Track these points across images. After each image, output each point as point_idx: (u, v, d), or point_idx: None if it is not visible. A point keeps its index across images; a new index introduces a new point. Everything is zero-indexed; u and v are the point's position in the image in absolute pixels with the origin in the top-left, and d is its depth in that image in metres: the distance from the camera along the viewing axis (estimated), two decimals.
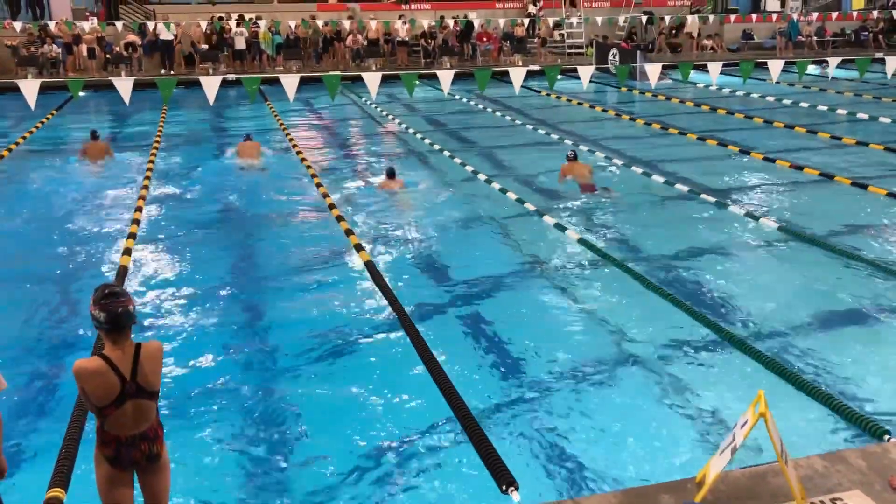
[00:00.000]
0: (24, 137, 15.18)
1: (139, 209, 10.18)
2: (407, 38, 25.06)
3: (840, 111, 17.24)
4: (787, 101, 18.78)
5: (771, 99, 19.29)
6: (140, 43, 23.16)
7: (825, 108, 17.67)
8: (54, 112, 18.12)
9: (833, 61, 17.27)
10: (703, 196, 10.56)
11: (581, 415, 5.40)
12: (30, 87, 13.03)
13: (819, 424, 5.08)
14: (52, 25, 23.53)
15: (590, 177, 11.25)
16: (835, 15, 29.84)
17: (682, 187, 11.09)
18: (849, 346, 6.32)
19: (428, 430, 5.19)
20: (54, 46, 22.47)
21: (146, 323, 6.88)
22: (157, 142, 14.85)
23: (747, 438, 3.73)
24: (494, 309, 7.23)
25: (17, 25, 23.24)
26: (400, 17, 25.37)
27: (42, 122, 16.75)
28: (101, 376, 3.33)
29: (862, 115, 16.54)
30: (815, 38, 28.27)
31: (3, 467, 3.43)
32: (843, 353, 6.13)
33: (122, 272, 7.87)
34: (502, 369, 6.09)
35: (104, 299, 3.34)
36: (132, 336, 3.47)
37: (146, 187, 11.37)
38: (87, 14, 25.43)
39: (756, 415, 3.63)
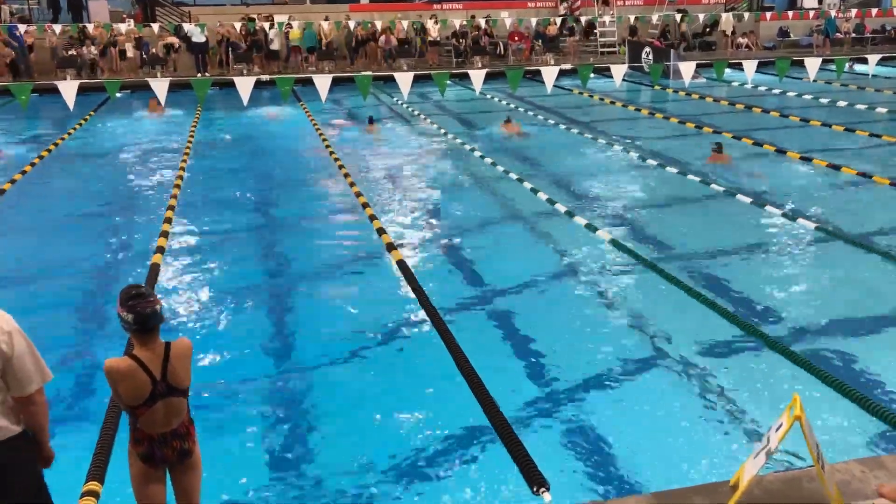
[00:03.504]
0: (62, 139, 15.45)
1: (171, 208, 10.30)
2: (438, 38, 25.06)
3: (880, 109, 16.90)
4: (824, 100, 18.46)
5: (808, 97, 18.97)
6: (177, 45, 23.48)
7: (864, 106, 17.34)
8: (92, 113, 18.42)
9: (873, 59, 16.94)
10: (739, 196, 10.42)
11: (613, 416, 5.35)
12: (69, 89, 13.26)
13: (857, 428, 4.98)
14: (90, 28, 23.94)
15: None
16: (874, 11, 29.27)
17: (717, 187, 10.95)
18: (888, 348, 6.19)
19: (459, 431, 5.18)
20: (92, 48, 22.85)
21: (177, 321, 6.95)
22: (190, 141, 15.02)
23: (782, 442, 3.66)
24: (526, 309, 7.19)
25: (57, 28, 23.67)
26: (432, 17, 25.38)
27: (81, 123, 17.04)
28: (131, 376, 3.36)
29: None
30: (853, 34, 27.77)
31: (50, 455, 3.50)
32: (883, 356, 6.01)
33: (155, 270, 7.97)
34: (534, 370, 6.06)
35: (131, 300, 3.37)
36: (160, 335, 3.51)
37: (178, 186, 11.51)
38: (125, 16, 25.84)
39: (791, 418, 3.56)
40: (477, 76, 14.37)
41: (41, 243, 9.53)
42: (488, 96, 20.16)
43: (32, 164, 13.10)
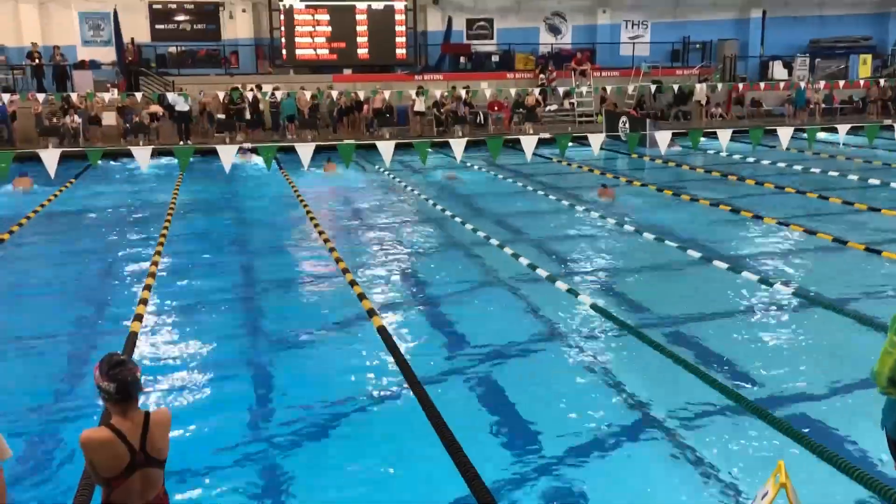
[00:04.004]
0: (42, 206, 15.41)
1: (151, 275, 10.24)
2: (423, 110, 25.49)
3: (851, 177, 17.30)
4: (797, 167, 18.88)
5: (781, 165, 19.40)
6: (161, 113, 23.74)
7: (836, 173, 17.74)
8: (73, 181, 18.44)
9: (842, 128, 17.41)
10: (716, 262, 10.54)
11: (596, 484, 5.28)
12: (50, 157, 13.30)
13: (842, 495, 4.94)
14: (74, 97, 24.16)
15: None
16: (842, 83, 30.23)
17: (694, 253, 11.07)
18: (868, 413, 6.18)
19: (440, 500, 5.08)
20: (76, 117, 23.02)
21: (154, 389, 6.84)
22: (172, 209, 15.04)
23: None
24: (507, 376, 7.15)
25: (41, 97, 23.87)
26: (419, 89, 25.89)
27: (60, 191, 17.03)
28: (109, 447, 3.29)
29: (873, 181, 16.58)
30: (822, 105, 28.60)
31: None
32: (862, 421, 5.99)
33: (133, 338, 7.88)
34: (516, 437, 5.99)
35: (112, 369, 3.32)
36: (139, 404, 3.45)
37: (159, 253, 11.46)
38: (108, 85, 26.12)
39: (777, 485, 3.54)
40: (458, 144, 14.59)
41: (17, 309, 9.41)
42: (468, 164, 20.43)
43: (11, 232, 13.02)
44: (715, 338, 7.98)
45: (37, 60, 26.19)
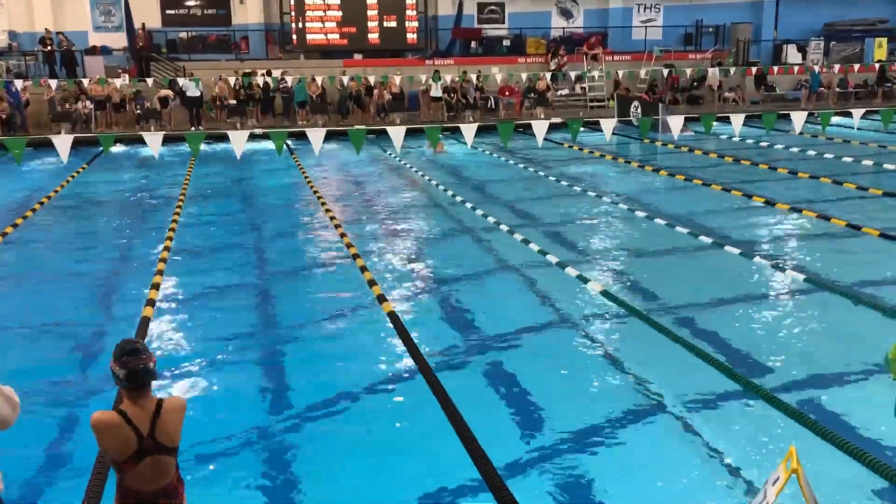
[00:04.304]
0: (55, 191, 15.49)
1: (163, 260, 10.29)
2: (440, 95, 25.36)
3: (865, 162, 17.15)
4: (811, 152, 18.73)
5: (795, 150, 19.25)
6: (172, 96, 23.78)
7: (850, 159, 17.58)
8: (85, 166, 18.51)
9: (857, 112, 17.24)
10: (728, 248, 10.48)
11: (606, 469, 5.29)
12: (63, 142, 13.34)
13: (853, 481, 4.93)
14: (85, 83, 24.22)
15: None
16: (857, 66, 29.91)
17: (706, 239, 11.02)
18: (881, 399, 6.16)
19: (449, 483, 5.10)
20: (88, 103, 23.08)
21: (166, 374, 6.89)
22: (183, 195, 15.08)
23: (779, 496, 3.62)
24: (517, 361, 7.16)
25: (53, 83, 23.94)
26: (435, 73, 25.79)
27: (73, 176, 17.12)
28: (116, 431, 3.32)
29: (888, 166, 16.43)
30: (837, 89, 28.32)
31: None
32: (874, 408, 5.97)
33: (145, 323, 7.93)
34: (525, 422, 6.00)
35: (125, 356, 3.35)
36: (153, 392, 3.47)
37: (171, 238, 11.51)
38: (120, 71, 26.15)
39: (788, 471, 3.53)
40: (468, 130, 14.54)
41: (31, 295, 9.48)
42: (479, 150, 20.37)
43: (24, 217, 13.11)
44: (726, 324, 7.95)
45: (49, 46, 26.24)
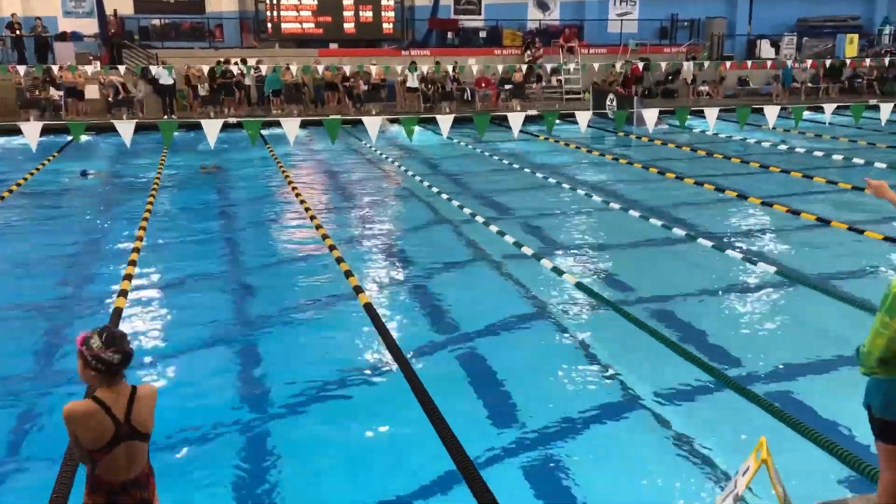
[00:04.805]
0: (24, 179, 15.24)
1: (136, 250, 10.17)
2: (416, 86, 25.29)
3: (836, 157, 17.38)
4: (783, 147, 18.94)
5: (767, 144, 19.45)
6: (142, 84, 23.48)
7: (821, 153, 17.81)
8: (55, 154, 18.23)
9: (828, 108, 17.45)
10: (701, 240, 10.59)
11: (579, 460, 5.33)
12: (32, 130, 13.13)
13: (821, 471, 5.02)
14: (55, 69, 23.82)
15: None
16: (828, 62, 30.28)
17: (679, 231, 11.11)
18: (847, 391, 6.26)
19: (425, 473, 5.12)
20: (56, 90, 22.71)
21: (139, 366, 6.82)
22: (157, 184, 14.92)
23: (749, 485, 3.67)
24: (492, 352, 7.19)
25: (21, 69, 23.52)
26: (412, 64, 25.71)
27: (42, 165, 16.85)
28: (93, 418, 3.29)
29: (857, 161, 16.67)
30: (809, 84, 28.65)
31: None
32: (842, 399, 6.07)
33: (117, 313, 7.84)
34: (500, 413, 6.02)
35: (115, 342, 3.32)
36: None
37: (143, 228, 11.38)
38: (91, 58, 25.75)
39: (758, 461, 3.58)
40: (444, 121, 14.52)
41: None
42: (455, 141, 20.36)
43: None
44: (699, 316, 8.04)
45: (18, 31, 25.76)
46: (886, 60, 29.78)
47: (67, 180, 16.03)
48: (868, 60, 30.25)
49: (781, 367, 6.78)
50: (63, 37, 26.89)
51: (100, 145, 20.55)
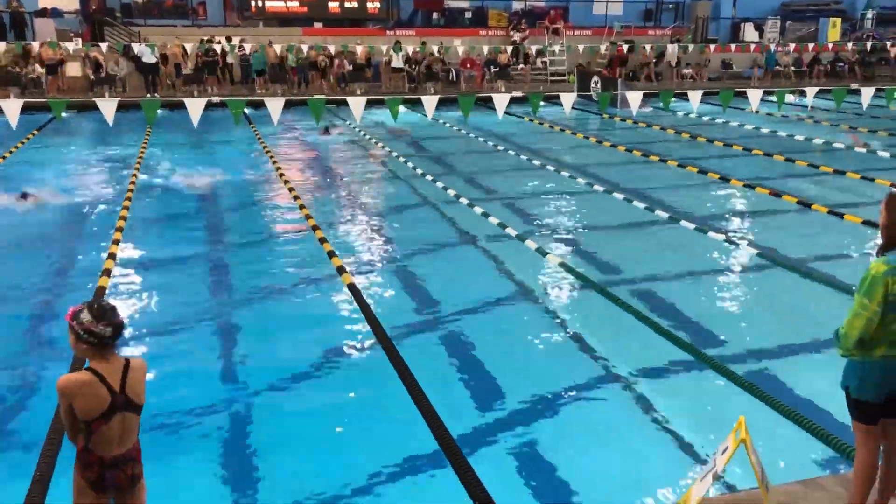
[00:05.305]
0: (3, 157, 15.06)
1: (119, 230, 10.11)
2: (401, 66, 25.15)
3: (817, 140, 17.50)
4: (765, 130, 19.05)
5: (750, 127, 19.55)
6: (123, 62, 23.19)
7: (803, 137, 17.93)
8: (35, 132, 18.01)
9: (811, 91, 17.56)
10: (683, 222, 10.66)
11: (561, 438, 5.40)
12: (12, 107, 12.97)
13: (799, 449, 5.11)
14: (35, 46, 23.47)
15: None
16: (811, 46, 30.41)
17: (662, 213, 11.18)
18: (826, 370, 6.36)
19: (408, 452, 5.17)
20: (37, 67, 22.41)
21: (124, 343, 6.81)
22: (139, 163, 14.79)
23: (728, 464, 3.74)
24: (475, 332, 7.23)
25: (1, 46, 23.15)
26: (397, 44, 25.55)
27: (22, 143, 16.65)
28: (90, 388, 3.31)
29: (838, 145, 16.80)
30: (792, 68, 28.77)
31: None
32: (820, 379, 6.17)
33: (101, 293, 7.81)
34: (482, 392, 6.09)
35: (105, 315, 3.34)
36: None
37: (126, 208, 11.30)
38: (72, 35, 25.37)
39: (737, 440, 3.65)
40: (430, 102, 14.48)
41: None
42: (440, 122, 20.31)
43: None
44: (680, 296, 8.12)
45: None
46: (868, 45, 29.94)
47: (48, 158, 15.85)
48: (850, 44, 30.39)
49: (761, 346, 6.87)
50: (43, 13, 26.46)
51: (82, 123, 20.31)
